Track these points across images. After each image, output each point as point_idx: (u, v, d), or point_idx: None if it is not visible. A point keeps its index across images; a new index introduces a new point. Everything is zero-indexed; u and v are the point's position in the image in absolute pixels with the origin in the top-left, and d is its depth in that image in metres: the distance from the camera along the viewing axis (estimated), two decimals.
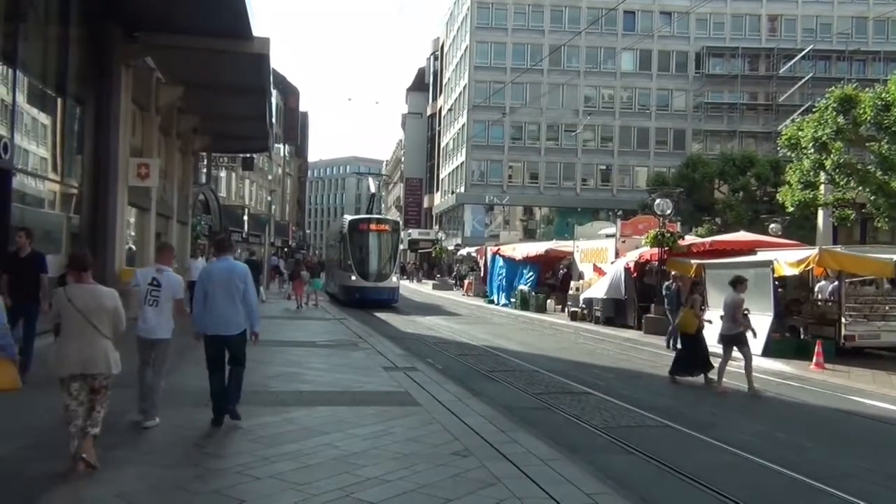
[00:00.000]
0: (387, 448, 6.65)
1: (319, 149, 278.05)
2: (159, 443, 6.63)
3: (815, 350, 14.20)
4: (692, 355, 12.36)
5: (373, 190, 48.24)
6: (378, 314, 24.87)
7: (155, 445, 6.52)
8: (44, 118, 14.83)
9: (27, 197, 13.57)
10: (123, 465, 5.89)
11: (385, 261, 29.00)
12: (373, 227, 29.54)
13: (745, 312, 12.10)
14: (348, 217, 32.19)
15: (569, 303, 25.68)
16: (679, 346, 13.65)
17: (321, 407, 8.37)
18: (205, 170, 39.23)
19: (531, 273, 29.79)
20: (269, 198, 60.77)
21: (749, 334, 12.04)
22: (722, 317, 12.13)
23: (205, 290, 7.47)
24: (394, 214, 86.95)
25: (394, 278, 29.14)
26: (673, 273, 17.63)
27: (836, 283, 16.96)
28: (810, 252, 16.12)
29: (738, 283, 12.01)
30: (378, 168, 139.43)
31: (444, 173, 74.00)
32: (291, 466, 5.94)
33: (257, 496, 5.22)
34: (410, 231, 72.67)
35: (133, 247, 21.81)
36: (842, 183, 27.80)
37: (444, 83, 76.41)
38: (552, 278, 30.66)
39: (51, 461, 5.87)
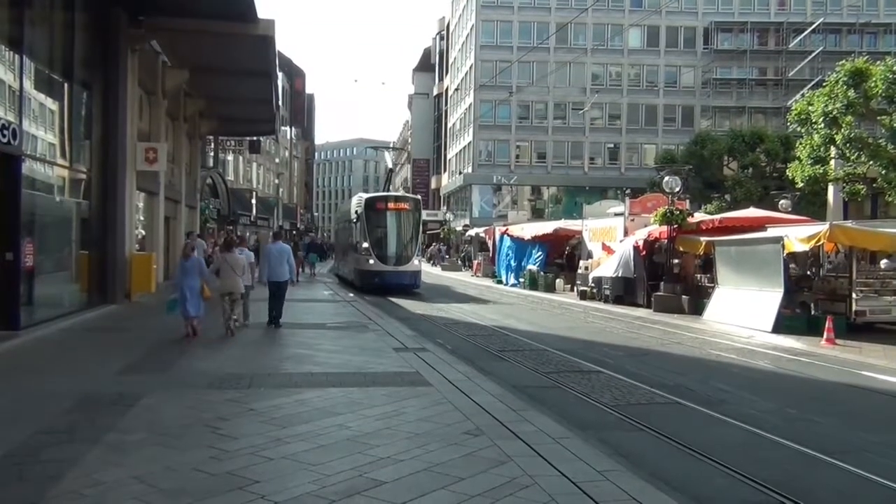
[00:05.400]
0: (399, 428, 6.68)
1: (326, 131, 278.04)
2: (174, 425, 6.68)
3: (826, 326, 14.17)
4: None
5: (389, 165, 46.34)
6: (387, 296, 24.83)
7: (169, 427, 6.58)
8: (51, 104, 14.85)
9: (37, 183, 13.61)
10: (139, 447, 5.95)
11: (406, 242, 26.48)
12: (391, 205, 26.82)
13: None
14: (364, 195, 29.42)
15: (578, 282, 25.66)
16: None
17: (333, 388, 8.42)
18: (212, 153, 39.29)
19: (540, 253, 29.73)
20: (276, 181, 60.84)
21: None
22: None
23: (268, 259, 14.29)
24: None
25: (415, 261, 26.68)
26: None
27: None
28: (821, 228, 16.02)
29: None
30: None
31: (451, 154, 73.73)
32: (304, 447, 5.98)
33: (271, 476, 5.26)
34: None
35: (143, 231, 21.89)
36: (852, 158, 27.53)
37: (450, 63, 75.94)
38: (561, 258, 30.64)
39: (65, 445, 5.94)
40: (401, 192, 37.67)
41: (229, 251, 13.10)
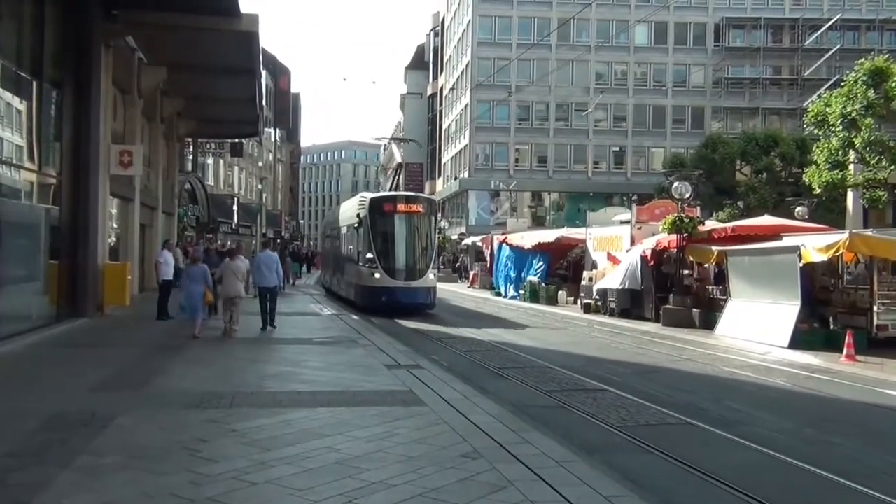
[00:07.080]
0: (391, 451, 6.67)
1: (313, 133, 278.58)
2: (150, 447, 6.65)
3: (846, 341, 14.19)
4: None
5: (398, 159, 43.37)
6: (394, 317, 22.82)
7: (145, 449, 6.54)
8: (18, 103, 14.81)
9: (3, 188, 13.57)
10: (113, 470, 5.91)
11: (419, 253, 23.83)
12: (402, 207, 23.79)
13: None
14: (368, 194, 26.32)
15: (581, 294, 25.69)
16: None
17: (320, 408, 8.39)
18: (191, 157, 39.30)
19: (541, 263, 29.77)
20: (259, 186, 60.76)
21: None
22: None
23: (259, 266, 16.05)
24: None
25: (430, 275, 23.66)
26: None
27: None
28: (840, 236, 16.07)
29: None
30: (376, 153, 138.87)
31: (446, 157, 73.90)
32: (290, 471, 5.96)
33: (255, 502, 5.24)
34: None
35: (115, 239, 21.83)
36: (873, 162, 27.68)
37: (445, 61, 76.20)
38: (563, 268, 30.68)
39: (34, 468, 5.90)
40: (413, 193, 33.05)
41: (233, 259, 15.11)
